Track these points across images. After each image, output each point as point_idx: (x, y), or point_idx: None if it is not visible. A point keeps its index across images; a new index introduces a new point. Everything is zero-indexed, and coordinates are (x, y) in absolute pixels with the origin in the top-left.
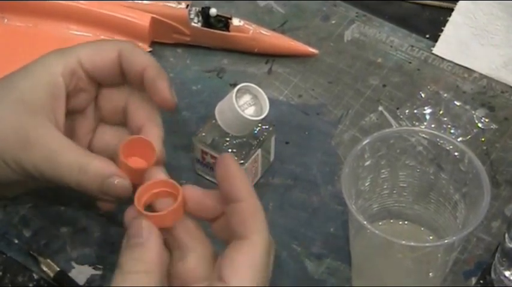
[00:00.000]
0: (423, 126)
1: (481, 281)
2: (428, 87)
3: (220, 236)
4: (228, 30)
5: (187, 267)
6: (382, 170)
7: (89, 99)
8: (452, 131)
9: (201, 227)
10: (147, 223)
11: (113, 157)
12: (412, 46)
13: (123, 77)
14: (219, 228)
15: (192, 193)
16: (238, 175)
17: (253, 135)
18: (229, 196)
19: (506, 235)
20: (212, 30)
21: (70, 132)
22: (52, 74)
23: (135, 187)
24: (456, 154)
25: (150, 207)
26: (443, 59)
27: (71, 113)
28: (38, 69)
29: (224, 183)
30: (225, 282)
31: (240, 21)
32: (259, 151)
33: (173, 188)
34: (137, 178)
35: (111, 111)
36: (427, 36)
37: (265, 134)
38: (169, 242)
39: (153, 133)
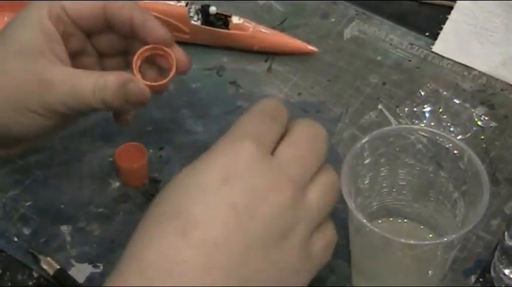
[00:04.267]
0: (423, 125)
1: (481, 280)
2: (428, 85)
3: None
4: (228, 28)
5: None
6: (382, 168)
7: (83, 41)
8: (451, 129)
9: None
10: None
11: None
12: (412, 44)
13: (109, 27)
14: None
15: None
16: None
17: None
18: None
19: (506, 233)
20: (212, 28)
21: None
22: (41, 20)
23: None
24: (456, 152)
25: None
26: (442, 57)
27: (73, 55)
28: (27, 18)
29: None
30: None
31: (239, 19)
32: None
33: (164, 52)
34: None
35: (109, 47)
36: (427, 34)
37: None
38: None
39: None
